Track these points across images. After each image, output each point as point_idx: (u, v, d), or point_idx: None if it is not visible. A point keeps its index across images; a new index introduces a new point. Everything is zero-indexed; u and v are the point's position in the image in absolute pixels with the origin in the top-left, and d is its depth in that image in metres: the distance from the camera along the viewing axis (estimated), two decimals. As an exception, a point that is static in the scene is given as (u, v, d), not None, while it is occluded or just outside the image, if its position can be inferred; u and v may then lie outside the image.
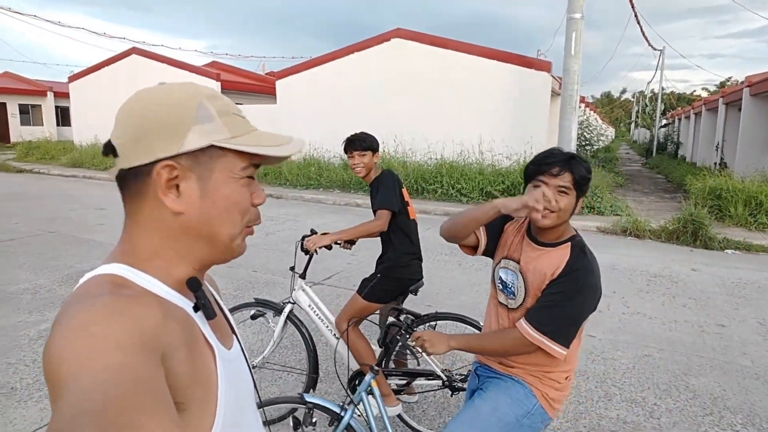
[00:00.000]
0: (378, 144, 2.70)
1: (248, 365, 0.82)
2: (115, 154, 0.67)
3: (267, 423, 2.43)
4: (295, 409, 2.59)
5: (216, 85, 15.80)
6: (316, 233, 2.64)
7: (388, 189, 2.58)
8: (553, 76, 11.25)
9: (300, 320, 2.74)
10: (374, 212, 2.61)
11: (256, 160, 0.71)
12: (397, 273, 2.63)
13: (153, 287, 0.65)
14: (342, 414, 1.95)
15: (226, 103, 0.71)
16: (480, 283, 5.26)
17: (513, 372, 1.66)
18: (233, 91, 17.87)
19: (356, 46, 13.03)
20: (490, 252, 1.82)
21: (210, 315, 0.69)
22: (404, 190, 2.70)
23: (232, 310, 2.80)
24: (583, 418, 2.84)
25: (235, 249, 0.72)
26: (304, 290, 2.72)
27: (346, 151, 2.65)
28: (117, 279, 0.63)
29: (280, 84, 14.43)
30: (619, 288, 5.20)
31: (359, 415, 2.06)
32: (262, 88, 19.15)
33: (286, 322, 2.70)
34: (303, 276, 2.72)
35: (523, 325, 1.55)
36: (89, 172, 14.65)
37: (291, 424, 1.99)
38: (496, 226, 1.77)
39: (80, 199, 10.21)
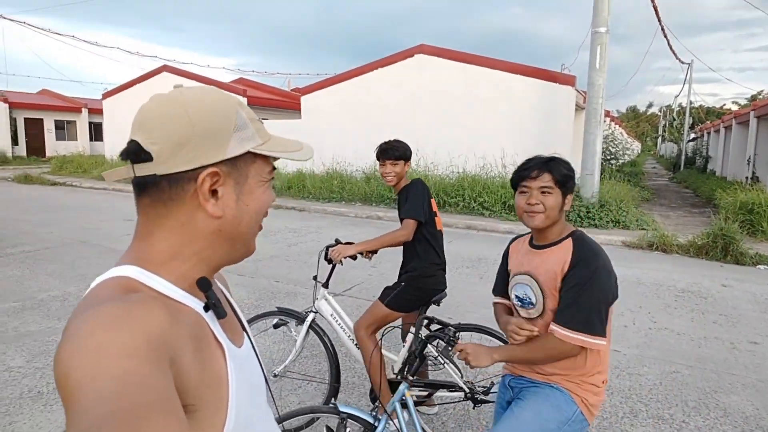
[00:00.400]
0: (411, 152, 2.67)
1: (260, 363, 0.83)
2: (142, 159, 0.65)
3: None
4: (314, 419, 2.61)
5: (242, 101, 16.15)
6: (340, 243, 2.64)
7: (417, 198, 2.56)
8: (577, 90, 11.18)
9: (322, 329, 2.76)
10: (401, 221, 2.61)
11: (274, 163, 0.76)
12: (421, 283, 2.62)
13: (163, 289, 0.66)
14: (375, 424, 1.95)
15: (251, 111, 0.75)
16: (502, 296, 5.20)
17: (552, 379, 1.65)
18: (259, 107, 18.22)
19: (380, 62, 13.19)
20: None
21: (220, 314, 0.69)
22: (432, 201, 2.69)
23: (254, 319, 2.84)
24: (607, 434, 2.77)
25: (252, 247, 0.77)
26: (326, 300, 2.74)
27: (378, 158, 2.62)
28: (127, 282, 0.64)
29: (304, 99, 14.66)
30: (645, 303, 5.08)
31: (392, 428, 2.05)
32: (287, 103, 19.49)
33: (308, 331, 2.71)
34: (326, 285, 2.73)
35: (558, 330, 1.57)
36: (118, 185, 15.05)
37: None
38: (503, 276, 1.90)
39: (109, 211, 10.50)
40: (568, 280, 1.58)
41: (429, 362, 2.78)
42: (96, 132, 28.52)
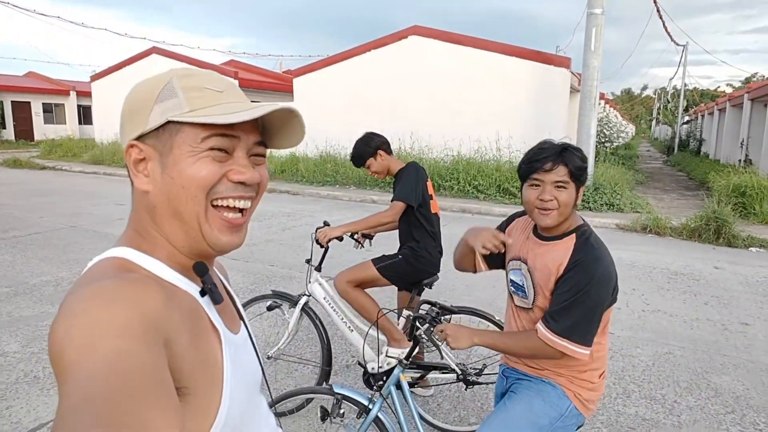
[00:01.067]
0: (375, 143, 2.66)
1: (256, 351, 0.82)
2: None
3: (278, 414, 2.44)
4: (309, 401, 2.61)
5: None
6: (329, 225, 2.65)
7: (408, 182, 2.57)
8: (572, 73, 11.11)
9: (315, 313, 2.75)
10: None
11: (218, 131, 0.65)
12: (417, 262, 2.64)
13: (159, 271, 0.66)
14: (370, 406, 1.94)
15: (203, 79, 0.68)
16: (497, 279, 5.20)
17: (543, 374, 1.60)
18: (251, 89, 18.00)
19: (373, 43, 13.03)
20: (499, 267, 1.80)
21: (217, 299, 0.69)
22: (429, 183, 2.69)
23: (249, 302, 2.83)
24: (600, 415, 2.80)
25: (206, 236, 0.67)
26: (319, 283, 2.73)
27: (355, 165, 2.72)
28: (123, 263, 0.64)
29: (297, 82, 14.50)
30: (639, 285, 5.11)
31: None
32: (279, 86, 19.26)
33: (301, 314, 2.71)
34: (318, 269, 2.73)
35: (543, 331, 1.49)
36: (110, 169, 14.91)
37: (319, 414, 1.99)
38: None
39: (101, 195, 10.40)
40: (563, 283, 1.48)
41: (423, 345, 2.78)
42: (85, 115, 28.13)
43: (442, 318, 2.53)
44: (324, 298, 2.70)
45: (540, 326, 1.50)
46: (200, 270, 0.69)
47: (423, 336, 1.87)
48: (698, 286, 5.13)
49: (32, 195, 10.27)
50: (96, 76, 19.60)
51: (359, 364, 2.65)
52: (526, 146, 7.94)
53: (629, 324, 4.11)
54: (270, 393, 0.95)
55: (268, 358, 2.81)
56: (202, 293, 0.69)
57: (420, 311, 2.58)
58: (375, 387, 2.59)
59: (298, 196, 11.01)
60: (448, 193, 10.57)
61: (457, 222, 8.26)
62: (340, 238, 2.62)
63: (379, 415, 1.94)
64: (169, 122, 0.65)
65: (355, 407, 1.98)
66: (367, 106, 12.77)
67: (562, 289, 1.47)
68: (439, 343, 2.20)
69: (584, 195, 9.15)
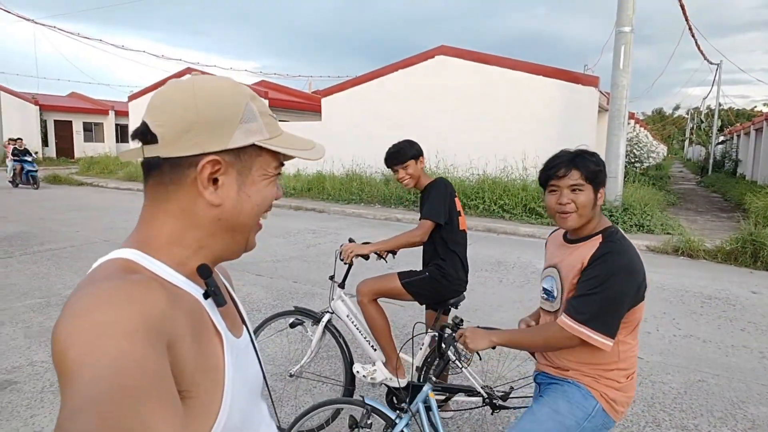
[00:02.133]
0: (417, 149, 2.63)
1: (258, 356, 0.82)
2: (149, 140, 0.67)
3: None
4: (334, 417, 2.60)
5: (255, 94, 16.32)
6: (354, 242, 2.64)
7: (437, 199, 2.53)
8: (600, 92, 11.00)
9: (338, 330, 2.75)
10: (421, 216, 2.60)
11: (282, 159, 0.75)
12: (445, 280, 2.59)
13: (162, 273, 0.66)
14: (396, 421, 1.96)
15: (264, 104, 0.74)
16: (521, 300, 5.13)
17: (568, 375, 1.61)
18: (280, 109, 18.40)
19: (400, 63, 13.19)
20: None
21: (220, 302, 0.69)
22: (456, 200, 2.66)
23: (271, 318, 2.85)
24: (629, 444, 2.69)
25: (250, 242, 0.77)
26: (342, 300, 2.72)
27: (388, 167, 2.63)
28: (127, 264, 0.64)
29: (325, 101, 14.75)
30: (670, 309, 4.95)
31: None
32: (308, 105, 19.63)
33: (323, 331, 2.70)
34: (342, 286, 2.72)
35: (562, 318, 1.52)
36: (143, 185, 15.32)
37: (348, 423, 2.05)
38: None
39: (133, 211, 10.69)
40: (586, 273, 1.53)
41: (449, 366, 2.74)
42: (122, 133, 29.18)
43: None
44: (347, 316, 2.70)
45: (561, 315, 1.53)
46: (204, 272, 0.69)
47: (450, 351, 1.86)
48: (734, 311, 4.93)
49: (69, 210, 10.65)
50: (133, 96, 20.38)
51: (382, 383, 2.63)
52: (552, 166, 7.53)
53: (659, 349, 3.97)
54: (271, 398, 0.95)
55: (291, 375, 2.81)
56: (206, 295, 0.69)
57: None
58: (398, 406, 2.58)
59: (323, 213, 11.11)
60: (473, 212, 10.50)
61: (483, 242, 8.19)
62: (366, 257, 2.61)
63: (405, 430, 1.95)
64: (253, 145, 0.70)
65: (383, 421, 2.02)
66: (394, 125, 12.87)
67: (585, 278, 1.53)
68: (466, 365, 2.17)
69: (613, 215, 9.03)
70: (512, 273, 6.18)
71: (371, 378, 2.59)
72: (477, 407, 2.64)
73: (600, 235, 1.59)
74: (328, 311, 2.72)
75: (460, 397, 2.53)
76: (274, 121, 0.75)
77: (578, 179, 1.56)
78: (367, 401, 2.01)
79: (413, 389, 2.57)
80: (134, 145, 0.72)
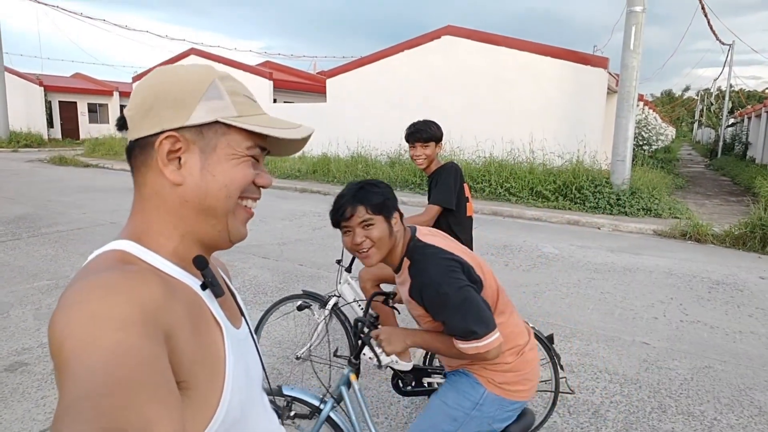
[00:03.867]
0: (442, 133, 2.59)
1: (257, 347, 0.83)
2: (123, 127, 0.70)
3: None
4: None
5: (269, 84, 16.20)
6: None
7: (447, 184, 2.49)
8: (609, 73, 10.82)
9: (344, 314, 2.75)
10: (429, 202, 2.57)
11: (260, 142, 0.73)
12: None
13: (159, 264, 0.65)
14: (321, 407, 1.91)
15: (238, 85, 0.74)
16: (527, 284, 5.12)
17: (457, 366, 1.66)
18: (285, 90, 18.27)
19: (406, 44, 13.01)
20: None
21: (218, 293, 0.69)
22: (465, 185, 2.63)
23: (280, 301, 2.85)
24: (633, 430, 2.70)
25: (232, 228, 0.73)
26: (349, 284, 2.73)
27: (408, 140, 2.57)
28: (123, 255, 0.64)
29: (330, 83, 14.61)
30: (677, 294, 4.93)
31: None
32: (313, 87, 19.47)
33: (330, 315, 2.71)
34: (348, 270, 2.72)
35: (456, 343, 1.51)
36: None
37: None
38: None
39: (140, 193, 10.72)
40: (429, 310, 1.54)
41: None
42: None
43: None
44: (353, 300, 2.70)
45: (454, 340, 1.54)
46: (200, 263, 0.69)
47: (366, 349, 1.84)
48: (742, 297, 4.91)
49: (76, 192, 10.68)
50: (137, 77, 20.25)
51: (388, 366, 2.63)
52: (561, 148, 7.91)
53: (666, 335, 3.96)
54: (271, 389, 0.95)
55: (297, 358, 2.83)
56: (203, 287, 0.69)
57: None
58: (403, 390, 2.58)
59: (329, 196, 11.09)
60: (479, 195, 10.45)
61: (489, 225, 8.16)
62: None
63: (332, 415, 1.90)
64: (216, 122, 0.68)
65: (308, 408, 1.95)
66: (400, 107, 12.76)
67: (433, 313, 1.53)
68: (381, 364, 2.07)
69: (620, 200, 8.97)
70: (518, 257, 6.16)
71: (377, 360, 2.59)
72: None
73: (405, 258, 1.61)
74: (334, 295, 2.72)
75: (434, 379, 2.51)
76: (250, 102, 0.73)
77: (365, 214, 1.54)
78: (285, 391, 1.91)
79: (418, 372, 2.57)
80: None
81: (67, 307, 0.52)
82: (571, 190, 9.60)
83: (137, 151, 0.68)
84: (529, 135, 11.18)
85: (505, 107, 11.58)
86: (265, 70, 17.64)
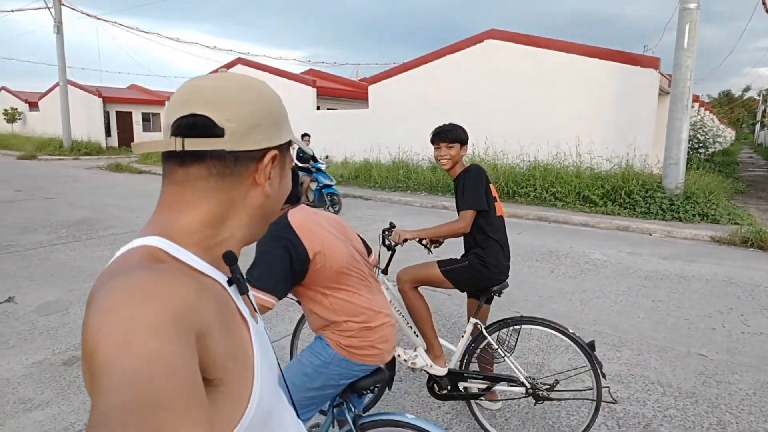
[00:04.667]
0: (467, 137, 2.63)
1: (271, 344, 0.84)
2: (208, 134, 0.66)
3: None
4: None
5: (312, 92, 16.49)
6: (395, 227, 2.64)
7: (474, 187, 2.48)
8: (661, 74, 10.38)
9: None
10: (458, 210, 2.55)
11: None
12: (485, 268, 2.53)
13: (189, 260, 0.65)
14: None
15: None
16: (573, 291, 4.95)
17: (317, 332, 1.84)
18: (328, 97, 18.54)
19: (448, 48, 12.95)
20: None
21: (243, 290, 0.71)
22: (491, 186, 2.59)
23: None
24: (690, 445, 2.54)
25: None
26: (386, 286, 2.71)
27: (433, 142, 2.62)
28: (153, 251, 0.63)
29: (372, 89, 14.72)
30: (738, 304, 4.63)
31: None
32: (355, 93, 19.68)
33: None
34: (385, 272, 2.71)
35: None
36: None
37: None
38: None
39: (189, 198, 11.10)
40: None
41: (488, 355, 2.67)
42: (178, 123, 30.23)
43: (512, 328, 2.43)
44: (390, 302, 2.68)
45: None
46: (230, 259, 0.69)
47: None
48: (810, 309, 4.56)
49: (130, 196, 11.19)
50: (188, 87, 21.04)
51: (423, 370, 2.60)
52: (609, 151, 7.67)
53: (725, 347, 3.72)
54: (286, 385, 0.97)
55: (335, 359, 2.83)
56: (230, 282, 0.70)
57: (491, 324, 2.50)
58: (438, 393, 2.54)
59: (370, 201, 11.15)
60: (523, 200, 10.24)
61: (534, 231, 7.96)
62: (404, 241, 2.62)
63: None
64: (289, 141, 0.77)
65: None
66: (441, 112, 12.67)
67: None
68: (509, 354, 2.14)
69: (674, 204, 8.58)
70: (564, 263, 5.97)
71: (411, 363, 2.58)
72: (519, 398, 2.56)
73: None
74: (372, 297, 2.71)
75: (502, 387, 2.47)
76: None
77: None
78: None
79: (453, 377, 2.53)
80: (157, 136, 0.72)
81: (100, 309, 0.53)
82: (621, 194, 9.25)
83: (230, 161, 0.68)
84: (576, 138, 10.87)
85: (551, 110, 11.32)
86: (308, 78, 17.97)
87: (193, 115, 0.67)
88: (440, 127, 2.62)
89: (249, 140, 0.69)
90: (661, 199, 8.83)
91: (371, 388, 1.83)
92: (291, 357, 2.91)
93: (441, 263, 2.59)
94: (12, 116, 31.62)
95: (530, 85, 11.57)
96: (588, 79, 10.80)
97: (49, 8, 21.13)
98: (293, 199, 1.66)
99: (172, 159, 0.69)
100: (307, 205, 1.95)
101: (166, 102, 28.29)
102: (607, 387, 2.47)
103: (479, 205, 2.45)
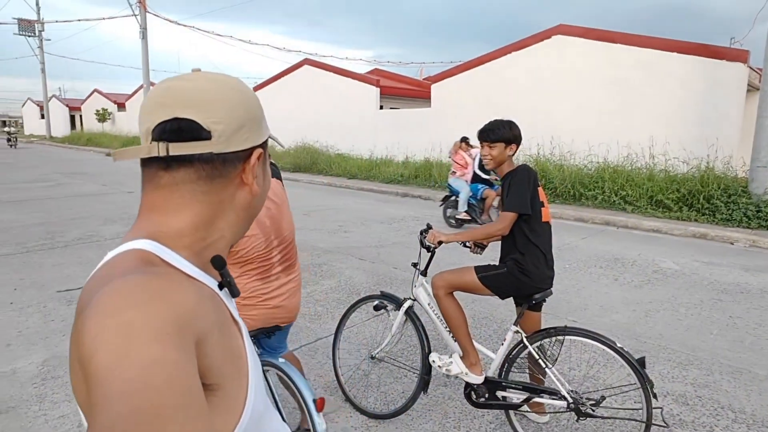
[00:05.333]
0: (513, 135, 2.45)
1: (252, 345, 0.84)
2: (194, 137, 0.65)
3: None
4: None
5: (375, 91, 16.61)
6: (432, 228, 2.57)
7: (519, 189, 2.34)
8: (750, 68, 9.51)
9: (418, 318, 2.68)
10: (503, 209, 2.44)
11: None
12: (524, 276, 2.38)
13: (180, 265, 0.64)
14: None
15: None
16: (639, 301, 4.63)
17: None
18: (392, 96, 18.61)
19: (513, 45, 12.58)
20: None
21: (234, 293, 0.71)
22: (540, 189, 2.44)
23: (360, 302, 2.86)
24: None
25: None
26: (424, 287, 2.65)
27: (478, 138, 2.50)
28: (146, 255, 0.62)
29: (434, 88, 14.60)
30: (832, 325, 4.13)
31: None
32: (419, 92, 19.61)
33: (405, 318, 2.66)
34: (424, 273, 2.65)
35: None
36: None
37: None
38: None
39: (254, 194, 11.53)
40: None
41: (537, 365, 2.54)
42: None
43: (555, 338, 2.29)
44: (428, 304, 2.62)
45: None
46: (219, 263, 0.69)
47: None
48: None
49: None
50: (257, 87, 21.88)
51: (458, 377, 2.53)
52: (686, 152, 7.12)
53: (813, 371, 3.33)
54: (270, 388, 0.95)
55: (372, 358, 2.82)
56: (221, 286, 0.69)
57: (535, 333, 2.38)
58: (476, 402, 2.45)
59: (429, 201, 11.05)
60: (590, 203, 9.74)
61: (599, 236, 7.56)
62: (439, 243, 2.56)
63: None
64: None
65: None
66: (505, 111, 12.30)
67: None
68: (551, 364, 2.03)
69: (761, 211, 7.82)
70: (630, 271, 5.61)
71: (446, 370, 2.50)
72: (560, 412, 2.41)
73: None
74: (410, 298, 2.66)
75: (543, 399, 2.33)
76: None
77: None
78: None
79: (491, 385, 2.43)
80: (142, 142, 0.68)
81: (97, 314, 0.51)
82: (698, 199, 8.57)
83: (218, 163, 0.67)
84: (650, 139, 10.21)
85: (622, 109, 10.70)
86: (372, 77, 18.11)
87: (177, 119, 0.64)
88: (485, 125, 2.49)
89: (236, 141, 0.68)
90: (747, 204, 8.09)
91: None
92: (333, 355, 2.92)
93: (478, 269, 2.47)
94: (102, 116, 34.42)
95: (600, 81, 11.00)
96: (665, 75, 10.10)
97: (135, 15, 22.73)
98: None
99: (155, 164, 0.67)
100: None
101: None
102: (660, 408, 2.27)
103: (522, 208, 2.31)
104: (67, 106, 42.12)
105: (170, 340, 0.50)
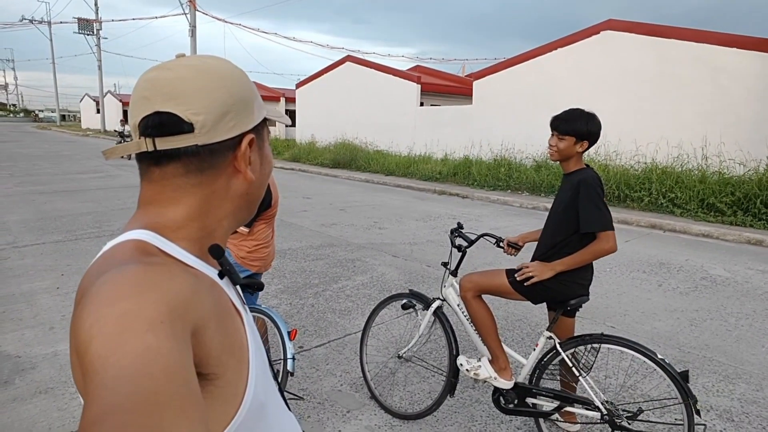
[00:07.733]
0: (587, 131, 2.21)
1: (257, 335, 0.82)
2: (177, 131, 0.63)
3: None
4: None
5: (416, 88, 16.51)
6: (462, 227, 2.48)
7: (601, 203, 2.15)
8: (818, 64, 8.88)
9: (446, 319, 2.61)
10: (585, 229, 2.20)
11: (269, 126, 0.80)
12: (560, 284, 2.25)
13: (178, 255, 0.64)
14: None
15: None
16: (684, 309, 4.40)
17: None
18: (433, 93, 18.45)
19: (560, 41, 12.22)
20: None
21: (236, 280, 0.70)
22: None
23: (389, 299, 2.82)
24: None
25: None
26: (453, 288, 2.59)
27: (550, 126, 2.32)
28: (144, 245, 0.62)
29: (476, 84, 14.38)
30: None
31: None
32: (460, 89, 19.38)
33: (433, 318, 2.60)
34: (454, 273, 2.58)
35: None
36: (304, 166, 16.74)
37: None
38: None
39: (292, 188, 11.70)
40: None
41: (570, 373, 2.43)
42: (292, 118, 31.96)
43: (590, 346, 2.19)
44: (458, 305, 2.55)
45: None
46: (217, 252, 0.67)
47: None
48: None
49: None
50: (300, 84, 22.17)
51: (486, 382, 2.45)
52: (743, 154, 6.74)
53: None
54: (276, 379, 0.91)
55: (399, 357, 2.78)
56: (221, 275, 0.68)
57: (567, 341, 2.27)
58: (505, 407, 2.37)
59: (467, 199, 10.91)
60: (636, 205, 9.36)
61: (644, 239, 7.25)
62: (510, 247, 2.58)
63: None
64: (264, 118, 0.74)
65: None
66: (548, 108, 12.00)
67: None
68: (585, 373, 1.95)
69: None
70: (676, 277, 5.34)
71: (474, 374, 2.41)
72: (593, 423, 2.30)
73: None
74: (439, 298, 2.60)
75: (575, 409, 2.23)
76: None
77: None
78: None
79: (520, 391, 2.34)
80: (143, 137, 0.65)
81: (93, 303, 0.51)
82: (755, 203, 8.09)
83: (205, 154, 0.65)
84: (702, 139, 9.71)
85: (673, 108, 10.22)
86: (413, 74, 18.00)
87: (157, 113, 0.63)
88: (562, 112, 2.27)
89: (221, 130, 0.65)
90: (809, 210, 7.57)
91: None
92: (361, 351, 2.90)
93: (510, 272, 2.34)
94: (153, 111, 35.60)
95: (649, 78, 10.54)
96: (719, 71, 9.57)
97: (185, 14, 23.46)
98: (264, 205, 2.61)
99: (147, 158, 0.67)
100: None
101: (281, 98, 29.97)
102: (703, 425, 2.13)
103: (612, 223, 2.15)
104: (120, 101, 43.96)
105: (164, 329, 0.49)
